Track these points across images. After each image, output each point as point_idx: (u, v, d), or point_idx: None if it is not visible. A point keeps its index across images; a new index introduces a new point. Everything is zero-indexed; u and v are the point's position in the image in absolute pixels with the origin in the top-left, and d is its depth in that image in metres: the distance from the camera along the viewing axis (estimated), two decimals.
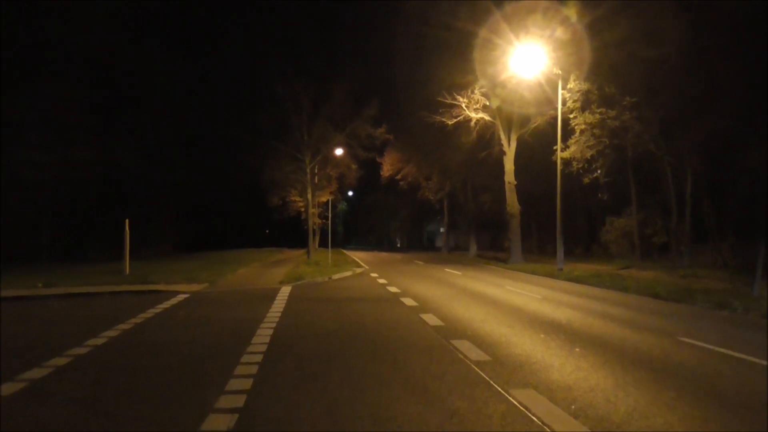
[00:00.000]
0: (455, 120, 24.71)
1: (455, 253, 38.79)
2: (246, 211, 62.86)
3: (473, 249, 35.12)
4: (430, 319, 8.40)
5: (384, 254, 39.81)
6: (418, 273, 19.35)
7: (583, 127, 19.77)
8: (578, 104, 19.74)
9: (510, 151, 25.13)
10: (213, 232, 59.47)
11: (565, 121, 20.13)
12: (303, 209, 37.66)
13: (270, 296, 11.50)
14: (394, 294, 12.03)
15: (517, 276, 18.45)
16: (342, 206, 61.82)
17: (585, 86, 19.53)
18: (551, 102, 20.97)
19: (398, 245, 65.30)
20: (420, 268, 22.23)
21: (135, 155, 37.49)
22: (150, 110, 38.61)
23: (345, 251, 43.30)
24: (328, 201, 27.06)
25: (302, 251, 36.15)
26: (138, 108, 37.69)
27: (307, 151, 28.56)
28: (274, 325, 7.90)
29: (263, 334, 7.13)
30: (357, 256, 34.23)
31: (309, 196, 29.42)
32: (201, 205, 53.47)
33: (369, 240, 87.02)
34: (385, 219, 68.18)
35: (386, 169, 38.61)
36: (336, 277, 16.63)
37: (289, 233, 56.01)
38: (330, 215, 25.58)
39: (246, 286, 13.66)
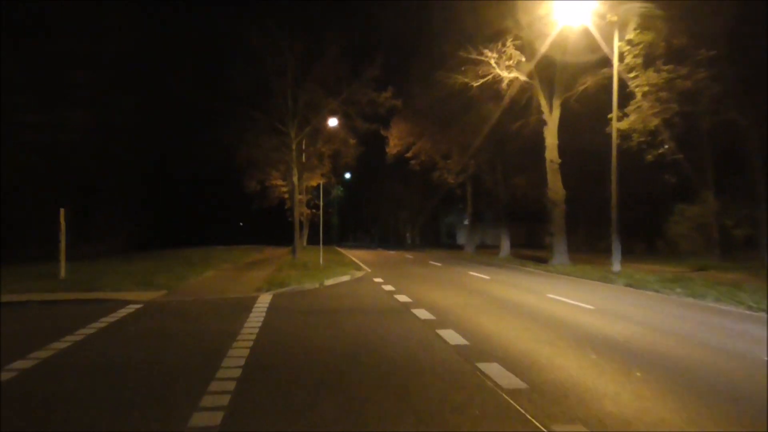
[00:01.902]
0: (481, 81, 24.57)
1: (482, 252, 38.79)
2: (216, 198, 63.16)
3: (505, 246, 35.11)
4: (450, 337, 8.38)
5: (390, 253, 39.84)
6: (435, 277, 19.38)
7: (645, 89, 19.59)
8: (639, 60, 19.54)
9: (552, 120, 25.01)
10: (174, 226, 59.74)
11: (623, 83, 19.96)
12: (287, 196, 37.68)
13: (245, 307, 11.52)
14: (404, 304, 12.04)
15: (561, 280, 18.39)
16: (337, 192, 61.84)
17: (648, 36, 19.33)
18: (605, 58, 20.78)
19: (409, 242, 65.51)
20: (437, 272, 22.21)
21: (74, 129, 37.59)
22: (90, 70, 38.61)
23: (341, 249, 43.38)
24: (319, 185, 27.03)
25: (286, 250, 36.22)
26: (75, 65, 37.68)
27: (293, 122, 28.49)
28: (250, 343, 7.90)
29: (237, 356, 7.13)
30: (356, 255, 34.29)
31: (295, 178, 29.38)
32: (159, 191, 53.68)
33: (371, 235, 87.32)
34: (392, 209, 68.33)
35: (393, 145, 38.51)
36: (329, 282, 16.67)
37: (270, 227, 56.12)
38: (321, 203, 25.59)
39: (215, 294, 13.70)
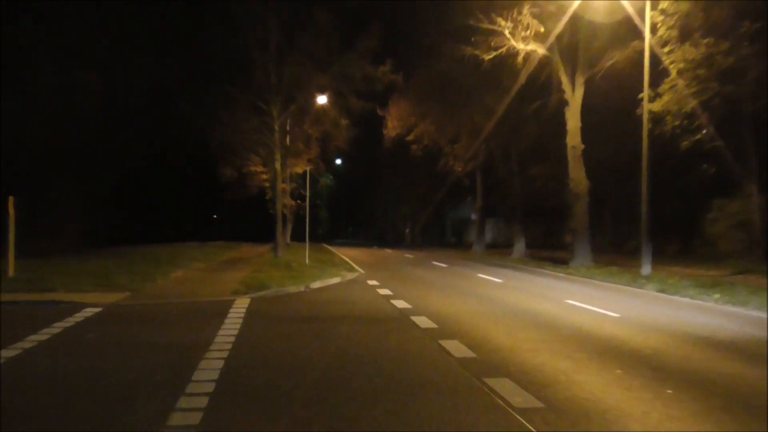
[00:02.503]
0: (494, 54, 24.53)
1: (494, 252, 38.87)
2: (186, 188, 62.90)
3: (520, 246, 35.18)
4: (455, 348, 8.39)
5: (388, 252, 39.90)
6: (438, 280, 19.47)
7: (681, 65, 19.58)
8: (675, 32, 19.52)
9: (575, 101, 25.02)
10: (138, 219, 59.54)
11: (656, 58, 19.94)
12: (268, 185, 37.63)
13: (219, 312, 11.53)
14: (403, 311, 12.06)
15: (583, 285, 18.44)
16: (327, 180, 61.95)
17: (685, 6, 19.30)
18: (635, 29, 20.75)
19: (409, 240, 65.67)
20: (440, 274, 22.26)
21: (25, 109, 37.32)
22: (44, 43, 38.29)
23: (330, 248, 43.44)
24: (305, 173, 26.99)
25: (267, 247, 36.24)
26: (24, 34, 37.34)
27: (276, 100, 28.44)
28: (225, 354, 7.90)
29: (210, 368, 7.13)
30: (348, 254, 34.34)
31: (277, 165, 29.36)
32: (122, 180, 53.50)
33: (366, 231, 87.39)
34: (390, 202, 68.44)
35: (392, 127, 38.55)
36: (317, 285, 16.73)
37: (249, 221, 55.90)
38: (308, 194, 25.51)
39: (184, 297, 13.70)
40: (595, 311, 12.44)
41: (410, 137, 37.99)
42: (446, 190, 50.52)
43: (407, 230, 68.10)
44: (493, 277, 20.73)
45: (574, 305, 13.35)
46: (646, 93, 19.90)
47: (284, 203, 36.30)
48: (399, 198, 65.17)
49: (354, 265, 25.30)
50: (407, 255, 36.57)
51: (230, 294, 14.26)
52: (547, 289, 17.20)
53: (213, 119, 29.99)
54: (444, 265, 26.86)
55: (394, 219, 72.89)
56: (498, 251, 39.35)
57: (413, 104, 37.24)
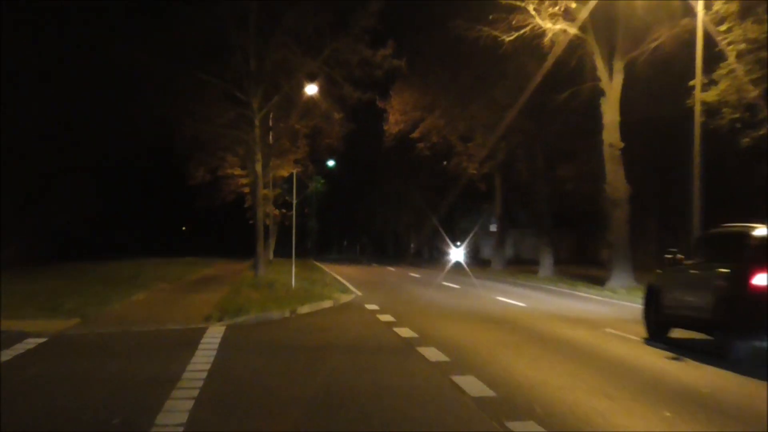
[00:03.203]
0: (516, 35, 24.58)
1: (515, 269, 38.82)
2: (150, 194, 62.92)
3: (547, 262, 35.15)
4: (471, 386, 8.35)
5: (389, 271, 39.88)
6: (450, 304, 19.49)
7: (741, 46, 19.55)
8: (734, 6, 19.48)
9: (612, 90, 25.05)
10: (92, 231, 59.52)
11: (710, 38, 19.93)
12: (248, 190, 37.56)
13: (189, 342, 11.47)
14: (408, 340, 12.04)
15: (623, 309, 18.40)
16: (317, 185, 61.80)
17: None
18: (685, 4, 20.77)
19: (413, 254, 65.65)
20: (453, 296, 22.27)
21: None
22: None
23: (321, 264, 43.40)
24: (291, 176, 26.74)
25: (245, 264, 36.17)
26: None
27: (256, 89, 28.35)
28: (195, 393, 7.86)
29: (177, 409, 7.09)
30: (342, 273, 34.43)
31: (258, 166, 29.23)
32: (73, 183, 53.42)
33: (363, 245, 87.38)
34: (392, 210, 68.42)
35: (394, 122, 38.59)
36: (304, 310, 16.73)
37: (224, 232, 55.89)
38: (295, 201, 25.35)
39: (147, 325, 13.65)
40: (637, 340, 12.38)
41: (416, 133, 38.03)
42: (458, 196, 50.58)
43: (411, 244, 68.07)
44: (515, 300, 20.71)
45: (614, 333, 13.35)
46: (698, 80, 19.86)
47: (266, 212, 36.16)
48: (402, 205, 65.16)
49: (349, 285, 25.28)
50: (413, 273, 36.50)
51: (202, 320, 14.21)
52: (581, 313, 17.21)
53: (182, 111, 29.99)
54: (456, 286, 26.82)
55: (396, 230, 72.90)
56: (521, 268, 39.33)
57: (419, 94, 37.31)
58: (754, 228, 11.33)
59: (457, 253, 59.38)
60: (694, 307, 11.81)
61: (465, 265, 42.66)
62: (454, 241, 65.76)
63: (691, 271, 12.51)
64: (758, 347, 10.55)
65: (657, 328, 12.93)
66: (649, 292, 13.76)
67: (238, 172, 38.30)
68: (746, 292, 10.54)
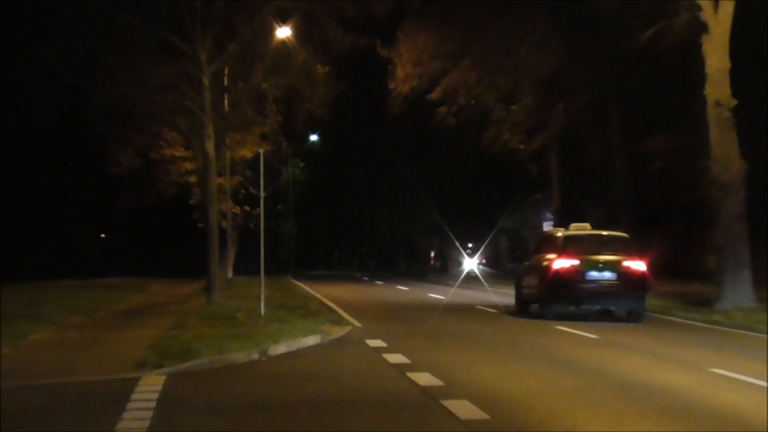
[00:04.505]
0: None
1: None
2: (49, 189, 62.84)
3: None
4: None
5: (400, 291, 39.73)
6: (488, 337, 19.57)
7: None
8: None
9: (720, 23, 24.90)
10: None
11: None
12: (194, 179, 37.47)
13: (112, 401, 11.34)
14: (428, 391, 11.88)
15: (741, 341, 18.42)
16: (295, 170, 61.58)
17: None
18: None
19: (436, 267, 65.67)
20: (491, 326, 22.60)
21: None
22: None
23: (302, 284, 43.35)
24: (257, 158, 26.43)
25: (195, 286, 36.11)
26: None
27: (204, 35, 28.33)
28: None
29: None
30: (333, 295, 34.60)
31: (209, 145, 29.08)
32: None
33: (362, 257, 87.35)
34: (403, 206, 68.16)
35: (404, 77, 38.43)
36: (280, 349, 16.60)
37: (163, 242, 55.45)
38: (262, 193, 25.13)
39: (51, 377, 13.50)
40: (762, 386, 12.21)
41: (435, 93, 37.87)
42: (498, 184, 50.50)
43: (432, 252, 68.04)
44: (583, 330, 20.55)
45: (727, 376, 13.15)
46: None
47: (222, 210, 36.15)
48: (415, 199, 65.06)
49: (343, 313, 25.14)
50: (433, 294, 36.37)
51: (132, 368, 14.04)
52: (676, 348, 17.04)
53: (97, 70, 29.93)
54: (495, 312, 26.96)
55: (409, 235, 72.84)
56: None
57: (440, 37, 37.22)
58: (562, 230, 26.40)
59: (471, 262, 59.69)
60: (532, 287, 25.24)
61: (505, 281, 42.74)
62: (495, 250, 65.94)
63: (533, 263, 26.18)
64: (564, 309, 23.93)
65: (521, 305, 26.84)
66: (516, 279, 28.19)
67: (180, 153, 38.18)
68: (552, 273, 23.58)
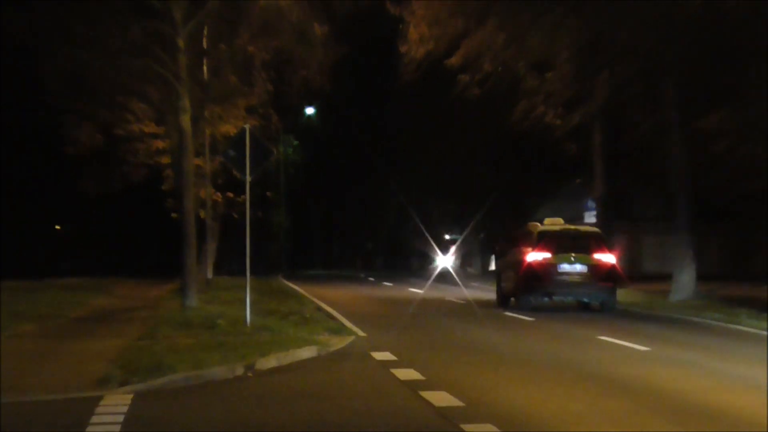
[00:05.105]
0: None
1: (630, 288, 38.72)
2: None
3: (685, 276, 35.10)
4: None
5: (411, 294, 39.82)
6: (518, 348, 19.66)
7: None
8: None
9: None
10: None
11: None
12: (167, 160, 37.49)
13: (69, 425, 11.35)
14: (446, 414, 11.88)
15: None
16: (287, 150, 61.58)
17: None
18: None
19: (458, 266, 65.96)
20: (523, 335, 22.83)
21: None
22: None
23: (295, 285, 43.93)
24: (242, 135, 26.41)
25: (168, 287, 36.18)
26: None
27: None
28: None
29: None
30: (332, 298, 35.22)
31: (184, 119, 29.04)
32: None
33: (367, 254, 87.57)
34: (417, 193, 68.32)
35: (418, 39, 38.36)
36: (270, 363, 16.63)
37: (131, 235, 55.56)
38: (248, 177, 25.15)
39: None
40: None
41: (455, 58, 37.77)
42: (527, 165, 50.45)
43: (453, 248, 68.23)
44: (632, 341, 20.42)
45: None
46: None
47: (201, 197, 36.14)
48: (432, 181, 65.15)
49: (344, 320, 25.28)
50: (452, 298, 36.47)
51: (93, 385, 14.00)
52: (744, 365, 16.87)
53: (52, 30, 29.92)
54: (530, 319, 26.99)
55: (428, 227, 72.99)
56: (639, 287, 39.32)
57: None
58: (537, 225, 31.93)
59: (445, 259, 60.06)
60: (510, 280, 31.25)
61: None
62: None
63: (510, 258, 32.00)
64: (538, 301, 30.41)
65: (502, 299, 32.97)
66: (497, 276, 35.42)
67: (150, 129, 38.10)
68: (525, 266, 29.42)
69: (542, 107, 37.44)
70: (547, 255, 29.07)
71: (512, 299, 31.59)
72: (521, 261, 29.59)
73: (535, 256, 29.02)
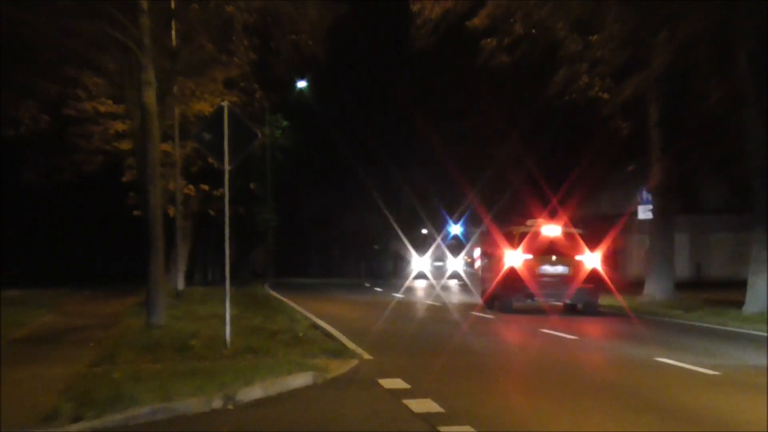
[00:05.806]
0: None
1: (697, 297, 39.36)
2: None
3: (761, 283, 34.79)
4: None
5: (427, 307, 39.95)
6: (559, 371, 19.73)
7: None
8: None
9: None
10: None
11: None
12: (129, 147, 37.48)
13: None
14: None
15: None
16: (275, 132, 61.59)
17: None
18: None
19: (469, 267, 66.34)
20: (566, 354, 22.98)
21: None
22: None
23: (285, 297, 44.79)
24: (219, 114, 26.42)
25: (131, 300, 36.32)
26: None
27: None
28: None
29: None
30: (329, 312, 35.56)
31: (148, 95, 28.99)
32: None
33: (372, 258, 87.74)
34: (434, 185, 68.50)
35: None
36: (254, 393, 16.56)
37: (85, 237, 55.61)
38: (227, 167, 25.16)
39: None
40: None
41: (478, 19, 37.71)
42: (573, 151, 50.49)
43: (477, 251, 68.58)
44: (699, 365, 20.36)
45: None
46: None
47: (169, 191, 36.14)
48: (454, 178, 65.40)
49: (345, 340, 25.24)
50: (478, 313, 36.56)
51: (38, 421, 13.92)
52: None
53: None
54: (573, 337, 27.11)
55: (441, 228, 73.26)
56: (709, 296, 39.45)
57: None
58: (519, 226, 38.92)
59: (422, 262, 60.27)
60: (492, 281, 38.36)
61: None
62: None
63: (493, 259, 39.93)
64: (520, 303, 37.37)
65: (486, 300, 40.17)
66: (480, 276, 45.68)
67: (107, 108, 38.13)
68: (506, 268, 35.99)
69: (586, 77, 37.33)
70: (528, 257, 34.65)
71: (495, 300, 37.70)
72: (502, 263, 35.46)
73: (516, 258, 34.70)
